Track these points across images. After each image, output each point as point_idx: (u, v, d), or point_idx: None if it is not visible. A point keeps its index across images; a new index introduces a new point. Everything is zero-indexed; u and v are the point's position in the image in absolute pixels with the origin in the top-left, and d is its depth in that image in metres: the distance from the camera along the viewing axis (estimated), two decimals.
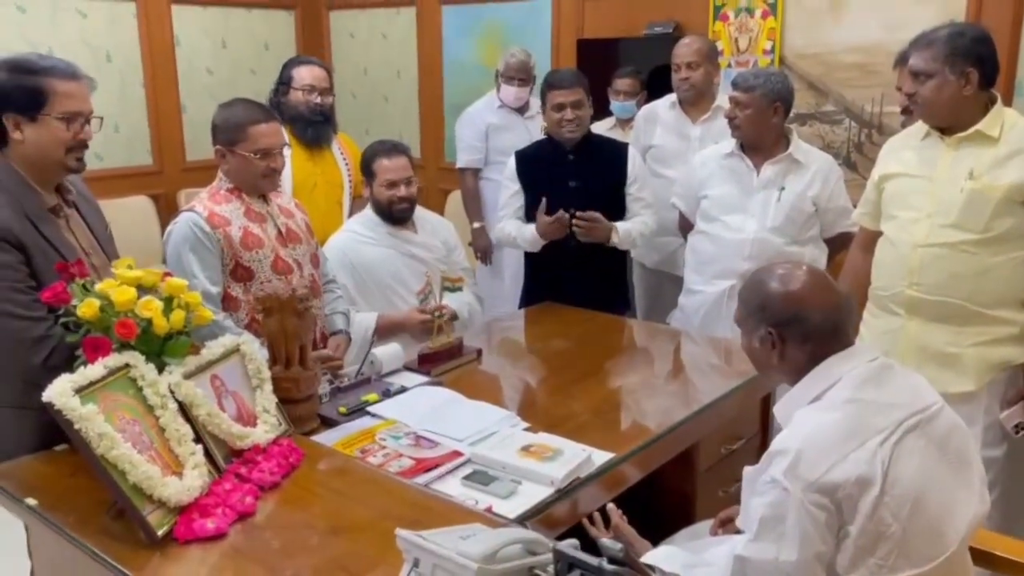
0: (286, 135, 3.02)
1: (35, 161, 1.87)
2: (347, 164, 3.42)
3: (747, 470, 1.51)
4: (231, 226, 2.28)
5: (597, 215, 2.90)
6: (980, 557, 1.67)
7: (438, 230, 3.00)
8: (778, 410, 1.59)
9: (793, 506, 1.37)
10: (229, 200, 2.33)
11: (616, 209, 3.02)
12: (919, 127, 2.36)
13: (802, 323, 1.52)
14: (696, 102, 3.44)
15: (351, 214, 3.45)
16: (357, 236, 2.84)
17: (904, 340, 2.30)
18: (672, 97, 3.54)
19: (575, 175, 3.00)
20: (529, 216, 3.04)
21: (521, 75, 3.95)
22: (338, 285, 2.65)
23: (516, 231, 3.04)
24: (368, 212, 2.90)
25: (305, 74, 3.23)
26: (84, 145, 1.91)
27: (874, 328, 2.40)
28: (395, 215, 2.83)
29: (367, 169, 2.85)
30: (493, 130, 4.02)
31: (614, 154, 3.07)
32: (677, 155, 3.43)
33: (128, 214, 4.97)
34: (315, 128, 3.26)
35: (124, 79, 5.08)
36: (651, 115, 3.61)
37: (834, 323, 1.53)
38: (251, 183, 2.33)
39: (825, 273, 1.66)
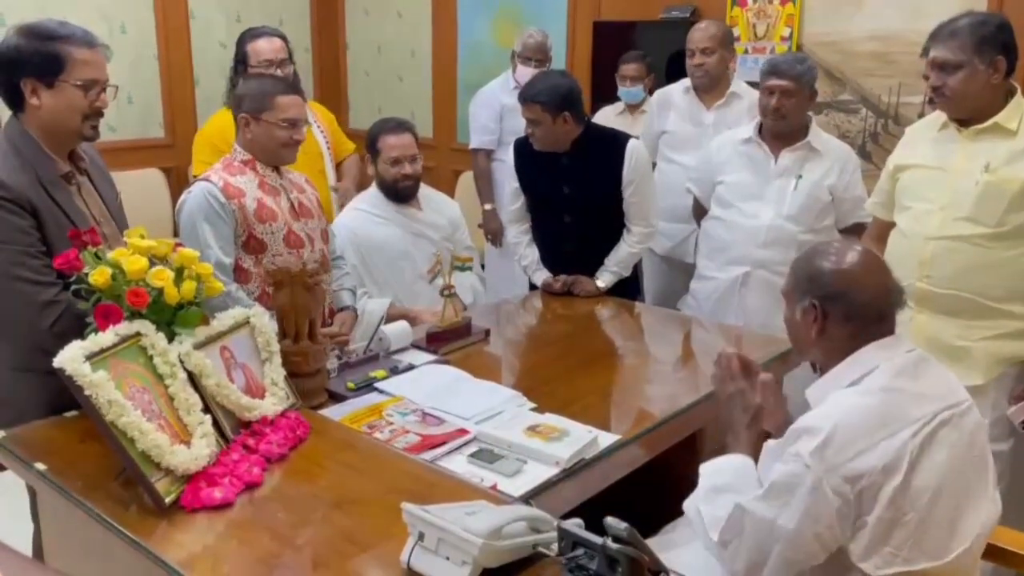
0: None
1: (51, 127, 1.88)
2: (323, 132, 3.38)
3: (768, 443, 1.52)
4: (246, 197, 2.29)
5: (578, 279, 2.90)
6: (985, 550, 1.67)
7: (443, 208, 2.99)
8: (811, 392, 1.58)
9: (809, 483, 1.37)
10: (244, 172, 2.34)
11: (613, 213, 2.91)
12: (936, 117, 2.34)
13: (848, 301, 1.51)
14: (710, 88, 3.39)
15: (339, 179, 3.45)
16: (365, 214, 2.83)
17: (913, 332, 2.28)
18: (686, 82, 3.49)
19: (568, 179, 2.87)
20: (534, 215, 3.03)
21: (539, 55, 3.92)
22: (345, 262, 2.66)
23: (525, 263, 3.05)
24: (373, 190, 2.90)
25: (261, 48, 3.11)
26: (100, 113, 1.93)
27: None
28: (400, 192, 2.82)
29: (372, 146, 2.84)
30: (508, 111, 3.99)
31: (611, 152, 2.84)
32: (690, 141, 3.41)
33: (140, 186, 4.98)
34: None
35: (138, 51, 5.07)
36: (665, 100, 3.57)
37: (880, 308, 1.52)
38: (272, 152, 2.34)
39: (882, 258, 1.63)
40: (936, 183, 2.26)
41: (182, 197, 2.34)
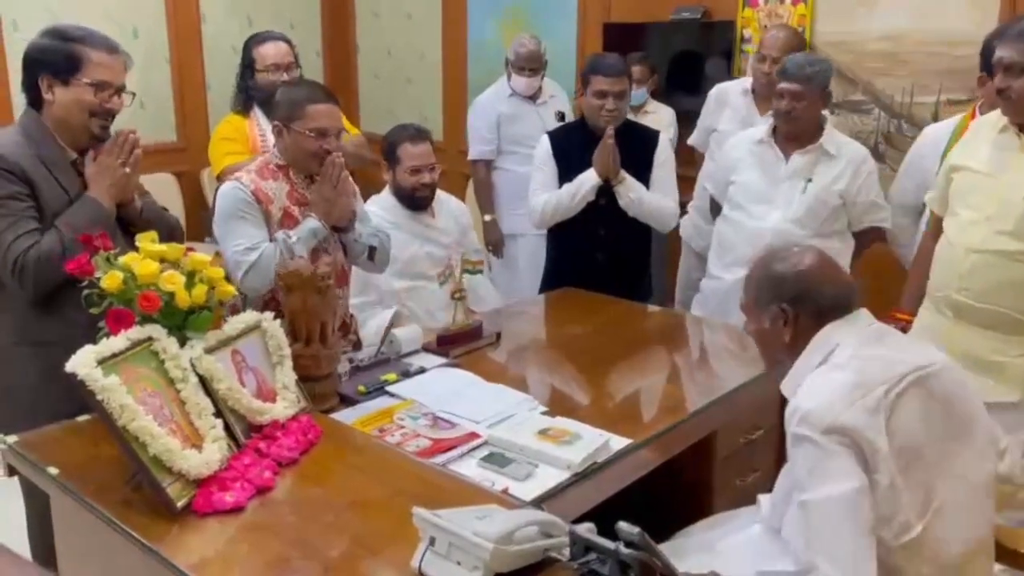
0: (262, 117, 3.01)
1: (62, 121, 1.98)
2: None
3: (779, 479, 1.56)
4: (273, 204, 2.30)
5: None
6: (1006, 555, 1.66)
7: (454, 213, 2.99)
8: (785, 385, 1.61)
9: (823, 448, 1.41)
10: (276, 177, 2.34)
11: None
12: (997, 116, 2.22)
13: (815, 298, 1.56)
14: (769, 95, 3.36)
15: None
16: (377, 219, 2.80)
17: (950, 343, 2.16)
18: (745, 82, 3.47)
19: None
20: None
21: (532, 65, 3.88)
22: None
23: (566, 188, 2.95)
24: (386, 195, 2.89)
25: (267, 52, 3.11)
26: (110, 113, 2.02)
27: (925, 325, 2.31)
28: (416, 201, 2.83)
29: (391, 153, 2.83)
30: (505, 119, 3.97)
31: (645, 143, 3.02)
32: None
33: (152, 190, 4.94)
34: None
35: (150, 55, 5.10)
36: (722, 97, 3.55)
37: (847, 298, 1.58)
38: (302, 161, 2.33)
39: (830, 256, 1.69)
40: (984, 191, 2.16)
41: (214, 197, 2.41)
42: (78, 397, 1.43)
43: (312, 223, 2.27)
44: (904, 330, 2.32)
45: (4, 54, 4.52)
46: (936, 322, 2.28)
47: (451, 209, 3.00)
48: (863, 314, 1.60)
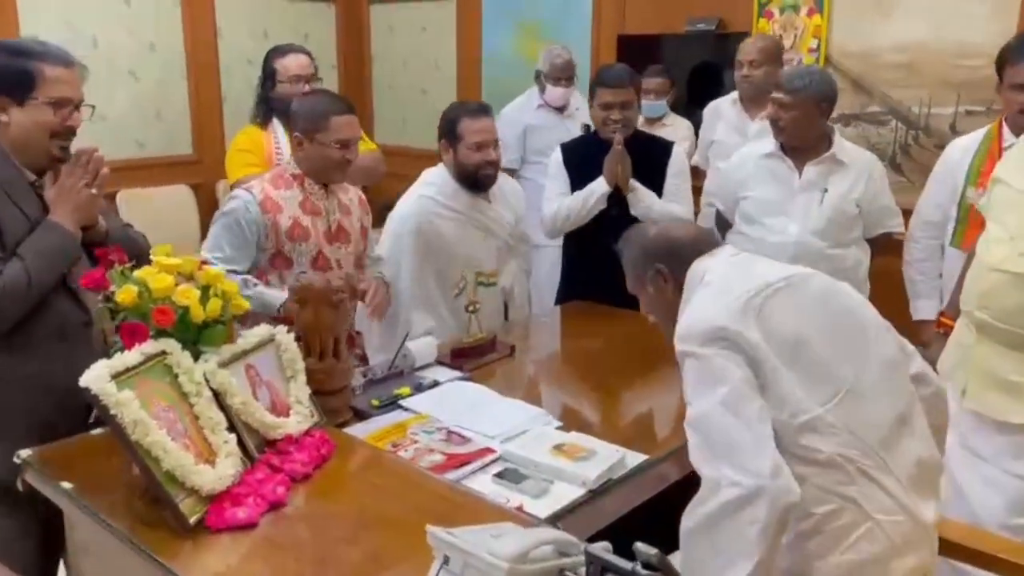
0: (279, 130, 3.03)
1: (19, 144, 1.84)
2: None
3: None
4: (282, 214, 2.31)
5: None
6: (982, 559, 1.67)
7: (509, 198, 2.88)
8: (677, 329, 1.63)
9: (704, 359, 1.45)
10: (290, 186, 2.35)
11: None
12: None
13: (679, 249, 1.66)
14: (756, 100, 3.45)
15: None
16: (435, 206, 2.68)
17: (973, 360, 2.14)
18: (734, 94, 3.60)
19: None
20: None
21: (567, 74, 3.95)
22: (384, 263, 2.62)
23: (577, 196, 2.90)
24: (445, 177, 2.72)
25: (289, 64, 3.14)
26: (71, 132, 1.88)
27: (955, 336, 2.25)
28: (480, 181, 2.67)
29: (450, 132, 2.66)
30: (531, 131, 4.01)
31: (658, 154, 3.00)
32: (735, 151, 3.40)
33: (168, 203, 5.05)
34: None
35: (166, 68, 5.14)
36: (715, 111, 3.69)
37: (707, 240, 1.70)
38: (325, 172, 2.35)
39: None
40: (1014, 208, 2.07)
41: (226, 199, 2.41)
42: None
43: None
44: (945, 335, 2.29)
45: None
46: (964, 337, 2.22)
47: (506, 194, 2.86)
48: (727, 248, 1.70)
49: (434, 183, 2.73)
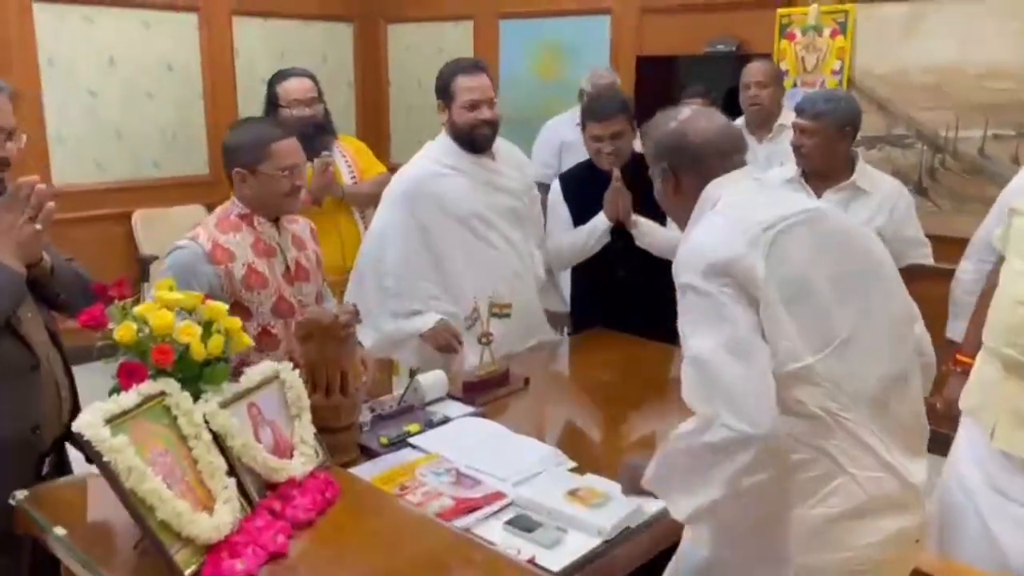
0: None
1: None
2: (350, 167, 3.32)
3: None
4: (235, 262, 2.07)
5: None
6: None
7: (518, 163, 2.77)
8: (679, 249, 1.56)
9: (706, 295, 1.40)
10: (239, 228, 2.12)
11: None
12: None
13: (686, 148, 1.57)
14: (763, 123, 3.43)
15: (363, 216, 3.37)
16: (436, 168, 2.58)
17: (999, 398, 2.03)
18: (742, 119, 3.51)
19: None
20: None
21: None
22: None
23: (580, 233, 2.80)
24: (444, 139, 2.62)
25: (290, 88, 3.12)
26: (5, 163, 1.76)
27: (978, 374, 2.14)
28: (476, 140, 2.56)
29: (444, 91, 2.55)
30: (567, 147, 4.01)
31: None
32: None
33: (184, 223, 5.01)
34: (310, 141, 2.94)
35: (184, 89, 5.14)
36: None
37: (719, 146, 1.57)
38: (274, 204, 2.13)
39: (714, 108, 1.71)
40: None
41: (169, 250, 2.11)
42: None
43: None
44: (965, 374, 2.20)
45: (40, 88, 4.57)
46: (989, 374, 2.13)
47: (514, 157, 2.74)
48: (748, 170, 1.60)
49: (435, 148, 2.64)
